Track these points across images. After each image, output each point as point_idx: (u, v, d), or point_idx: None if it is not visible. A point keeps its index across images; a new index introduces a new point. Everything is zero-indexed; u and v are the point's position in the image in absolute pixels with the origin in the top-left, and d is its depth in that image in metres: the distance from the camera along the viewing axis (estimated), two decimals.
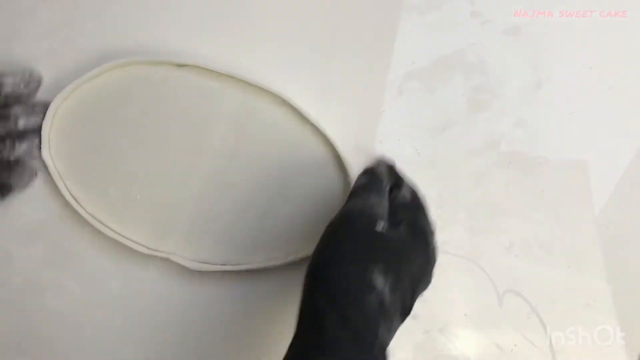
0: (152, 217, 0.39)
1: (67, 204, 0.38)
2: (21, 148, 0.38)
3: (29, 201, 0.39)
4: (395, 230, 0.32)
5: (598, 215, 0.41)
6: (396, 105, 0.43)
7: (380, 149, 0.42)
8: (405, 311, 0.31)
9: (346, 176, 0.40)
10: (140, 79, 0.40)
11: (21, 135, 0.38)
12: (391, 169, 0.38)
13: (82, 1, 0.45)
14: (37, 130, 0.39)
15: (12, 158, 0.38)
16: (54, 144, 0.39)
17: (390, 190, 0.36)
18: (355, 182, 0.37)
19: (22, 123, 0.38)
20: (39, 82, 0.40)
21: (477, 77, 0.44)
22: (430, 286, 0.39)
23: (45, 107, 0.39)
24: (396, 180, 0.37)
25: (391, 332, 0.30)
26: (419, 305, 0.39)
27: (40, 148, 0.39)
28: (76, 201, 0.38)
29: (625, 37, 0.44)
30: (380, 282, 0.29)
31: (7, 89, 0.38)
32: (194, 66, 0.40)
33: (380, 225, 0.31)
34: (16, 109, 0.38)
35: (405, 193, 0.36)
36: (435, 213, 0.41)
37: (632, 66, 0.44)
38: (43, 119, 0.39)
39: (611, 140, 0.43)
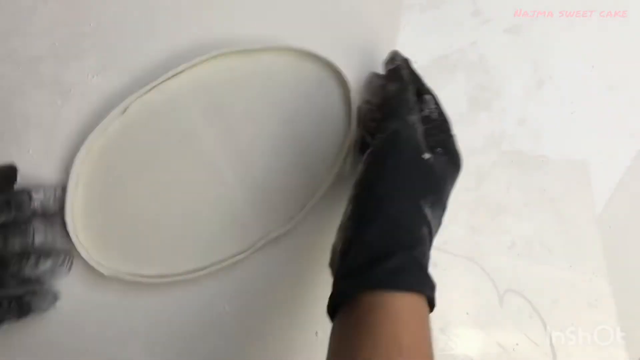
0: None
1: None
2: (45, 266, 0.36)
3: None
4: (436, 156, 0.32)
5: (599, 215, 0.41)
6: None
7: None
8: (439, 228, 0.32)
9: None
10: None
11: (46, 253, 0.36)
12: (411, 70, 0.38)
13: (82, 1, 0.45)
14: (63, 251, 0.37)
15: (33, 276, 0.35)
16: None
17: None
18: (386, 90, 0.36)
19: (39, 239, 0.36)
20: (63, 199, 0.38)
21: (478, 76, 0.44)
22: None
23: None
24: (418, 85, 0.37)
25: (431, 248, 0.32)
26: None
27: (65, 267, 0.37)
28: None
29: (625, 37, 0.45)
30: (429, 213, 0.30)
31: (36, 203, 0.36)
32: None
33: (428, 155, 0.31)
34: (38, 225, 0.36)
35: (432, 106, 0.35)
36: None
37: (632, 66, 0.44)
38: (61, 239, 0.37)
39: (612, 140, 0.43)
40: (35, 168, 0.41)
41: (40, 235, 0.36)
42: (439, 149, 0.33)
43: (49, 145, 0.42)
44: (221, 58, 0.41)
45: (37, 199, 0.36)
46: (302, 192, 0.40)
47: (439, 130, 0.34)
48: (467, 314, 0.39)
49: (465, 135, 0.42)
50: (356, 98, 0.40)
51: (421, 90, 0.36)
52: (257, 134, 0.40)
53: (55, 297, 0.37)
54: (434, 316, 0.39)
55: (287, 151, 0.40)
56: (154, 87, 0.41)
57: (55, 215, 0.38)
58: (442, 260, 0.40)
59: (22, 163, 0.41)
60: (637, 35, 0.44)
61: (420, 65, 0.44)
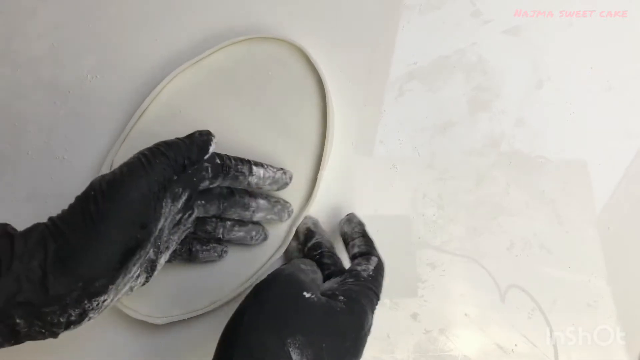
0: None
1: None
2: (239, 233, 0.38)
3: None
4: (331, 302, 0.29)
5: (598, 215, 0.41)
6: (396, 105, 0.43)
7: (380, 149, 0.42)
8: None
9: None
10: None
11: (245, 223, 0.38)
12: (364, 234, 0.37)
13: (81, 2, 0.45)
14: (262, 225, 0.39)
15: (223, 239, 0.38)
16: None
17: (355, 255, 0.35)
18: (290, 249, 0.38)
19: (258, 216, 0.38)
20: (285, 184, 0.39)
21: (478, 77, 0.44)
22: (431, 286, 0.40)
23: (284, 206, 0.39)
24: (366, 247, 0.35)
25: None
26: (419, 305, 0.39)
27: None
28: None
29: (625, 37, 0.44)
30: (295, 354, 0.27)
31: (253, 178, 0.36)
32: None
33: (309, 294, 0.29)
34: (261, 202, 0.38)
35: (369, 267, 0.33)
36: (436, 213, 0.41)
37: (632, 66, 0.44)
38: (279, 219, 0.39)
39: (611, 140, 0.43)
40: (35, 168, 0.41)
41: (261, 213, 0.38)
42: (341, 297, 0.30)
43: (47, 146, 0.42)
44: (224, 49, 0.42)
45: (256, 174, 0.36)
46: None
47: (358, 285, 0.32)
48: (466, 314, 0.39)
49: (464, 136, 0.43)
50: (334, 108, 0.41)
51: (371, 252, 0.35)
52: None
53: (222, 253, 0.38)
54: (433, 317, 0.39)
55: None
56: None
57: (272, 194, 0.39)
58: (442, 261, 0.40)
59: (22, 163, 0.41)
60: (637, 36, 0.44)
61: (419, 65, 0.44)
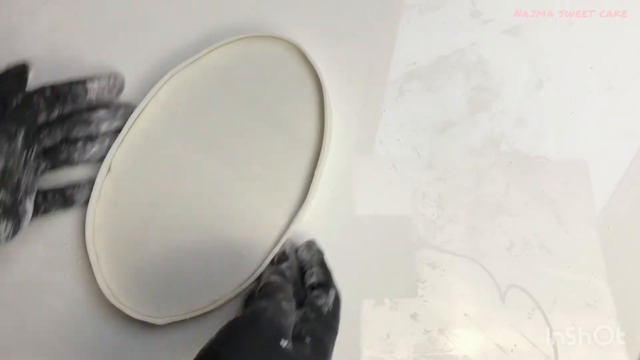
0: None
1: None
2: (92, 149, 0.39)
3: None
4: (300, 347, 0.29)
5: (598, 215, 0.41)
6: (396, 105, 0.43)
7: (380, 149, 0.42)
8: None
9: None
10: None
11: (94, 138, 0.39)
12: (322, 264, 0.36)
13: (81, 2, 0.45)
14: (115, 133, 0.40)
15: (82, 161, 0.38)
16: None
17: (313, 286, 0.35)
18: (267, 277, 0.35)
19: (104, 127, 0.39)
20: (122, 87, 0.40)
21: (478, 77, 0.44)
22: (431, 286, 0.40)
23: (127, 109, 0.40)
24: (324, 278, 0.35)
25: None
26: (419, 305, 0.39)
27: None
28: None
29: (625, 37, 0.44)
30: None
31: (92, 94, 0.38)
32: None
33: (286, 342, 0.29)
34: (100, 113, 0.39)
35: (328, 301, 0.33)
36: (436, 213, 0.41)
37: (632, 66, 0.44)
38: (124, 123, 0.40)
39: (611, 140, 0.43)
40: None
41: (105, 123, 0.39)
42: (307, 339, 0.30)
43: None
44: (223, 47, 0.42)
45: (92, 89, 0.38)
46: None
47: (321, 323, 0.32)
48: (466, 314, 0.39)
49: (464, 137, 0.43)
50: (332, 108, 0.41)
51: (329, 283, 0.35)
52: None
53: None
54: (433, 317, 0.39)
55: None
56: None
57: (112, 101, 0.39)
58: (442, 261, 0.40)
59: None
60: (637, 36, 0.44)
61: (419, 65, 0.44)
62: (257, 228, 0.39)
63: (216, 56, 0.42)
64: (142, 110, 0.41)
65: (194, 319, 0.37)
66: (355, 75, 0.43)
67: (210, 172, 0.40)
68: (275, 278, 0.34)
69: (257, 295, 0.33)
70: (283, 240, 0.38)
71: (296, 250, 0.38)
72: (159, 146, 0.41)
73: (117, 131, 0.40)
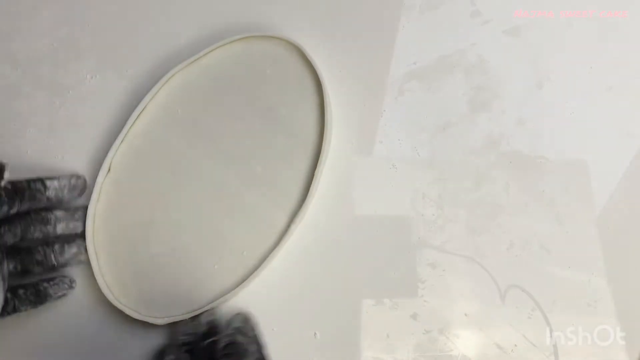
0: None
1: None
2: (70, 253, 0.37)
3: None
4: None
5: (598, 215, 0.41)
6: (396, 105, 0.43)
7: (380, 149, 0.42)
8: None
9: None
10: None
11: (68, 239, 0.37)
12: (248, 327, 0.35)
13: (81, 2, 0.45)
14: (81, 236, 0.38)
15: (58, 263, 0.37)
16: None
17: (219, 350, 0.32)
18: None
19: (60, 227, 0.37)
20: (83, 188, 0.39)
21: (478, 77, 0.44)
22: (431, 286, 0.40)
23: (85, 211, 0.39)
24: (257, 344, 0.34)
25: None
26: (419, 305, 0.39)
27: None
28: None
29: (625, 37, 0.44)
30: None
31: (51, 192, 0.36)
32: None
33: None
34: (58, 213, 0.37)
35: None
36: (436, 213, 0.41)
37: (632, 66, 0.44)
38: (83, 225, 0.38)
39: (611, 140, 0.43)
40: (34, 167, 0.41)
41: (61, 224, 0.37)
42: None
43: (46, 146, 0.42)
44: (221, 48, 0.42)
45: (52, 187, 0.36)
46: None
47: None
48: (466, 314, 0.39)
49: (464, 136, 0.43)
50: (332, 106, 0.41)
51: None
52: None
53: (71, 283, 0.37)
54: (433, 317, 0.39)
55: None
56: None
57: (71, 203, 0.38)
58: (441, 261, 0.40)
59: (21, 163, 0.41)
60: (637, 36, 0.44)
61: (419, 65, 0.44)
62: (257, 228, 0.39)
63: (216, 56, 0.42)
64: (142, 110, 0.41)
65: None
66: (355, 75, 0.43)
67: (210, 172, 0.40)
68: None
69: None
70: (283, 239, 0.38)
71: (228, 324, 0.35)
72: (158, 146, 0.41)
73: (76, 234, 0.38)
